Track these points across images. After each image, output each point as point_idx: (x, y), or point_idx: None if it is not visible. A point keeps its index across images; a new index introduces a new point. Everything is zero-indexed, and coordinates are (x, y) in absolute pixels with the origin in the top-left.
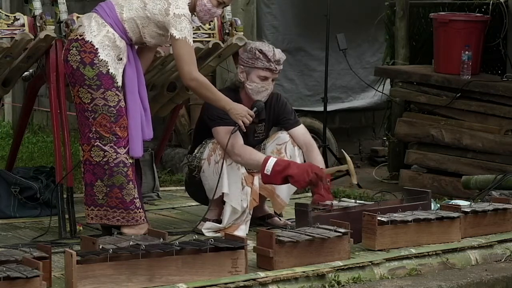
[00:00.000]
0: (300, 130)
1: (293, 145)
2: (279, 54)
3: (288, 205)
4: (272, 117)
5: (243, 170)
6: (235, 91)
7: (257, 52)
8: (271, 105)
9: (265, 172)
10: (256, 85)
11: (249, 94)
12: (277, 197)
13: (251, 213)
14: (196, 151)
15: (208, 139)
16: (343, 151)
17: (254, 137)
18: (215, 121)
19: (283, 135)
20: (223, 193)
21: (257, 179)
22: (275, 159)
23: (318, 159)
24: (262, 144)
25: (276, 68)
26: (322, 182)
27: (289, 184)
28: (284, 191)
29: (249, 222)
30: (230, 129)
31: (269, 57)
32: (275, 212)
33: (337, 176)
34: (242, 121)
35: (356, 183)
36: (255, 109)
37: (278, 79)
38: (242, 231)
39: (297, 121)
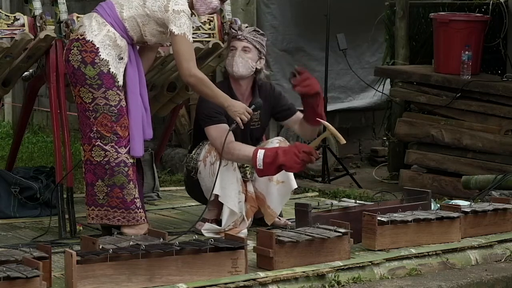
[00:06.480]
0: (298, 115)
1: None
2: (239, 22)
3: (288, 205)
4: (268, 107)
5: (239, 175)
6: (227, 79)
7: None
8: (266, 95)
9: (257, 167)
10: (228, 59)
11: (229, 72)
12: (267, 207)
13: (252, 220)
14: (193, 152)
15: (206, 140)
16: (320, 120)
17: (250, 126)
18: (205, 121)
19: (273, 145)
20: (217, 195)
21: (250, 186)
22: (263, 151)
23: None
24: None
25: (242, 36)
26: (313, 155)
27: (281, 194)
28: (275, 201)
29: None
30: (221, 127)
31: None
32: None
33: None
34: (240, 118)
35: (345, 142)
36: (253, 106)
37: (277, 78)
38: (243, 234)
39: (295, 110)
